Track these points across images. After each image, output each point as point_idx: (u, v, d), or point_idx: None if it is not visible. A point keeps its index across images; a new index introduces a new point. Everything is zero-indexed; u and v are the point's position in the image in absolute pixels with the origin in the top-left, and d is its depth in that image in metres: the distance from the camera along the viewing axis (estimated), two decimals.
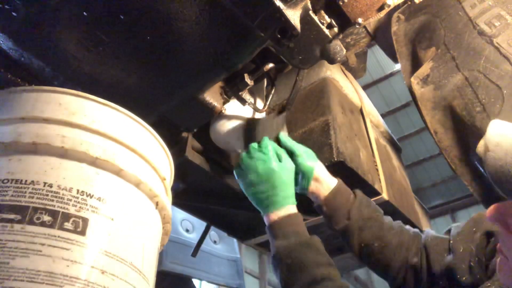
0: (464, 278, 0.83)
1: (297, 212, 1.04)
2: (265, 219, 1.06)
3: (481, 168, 1.27)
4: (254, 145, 1.11)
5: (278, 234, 0.99)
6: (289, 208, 1.03)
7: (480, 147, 1.18)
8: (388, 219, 1.10)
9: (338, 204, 1.08)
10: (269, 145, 1.10)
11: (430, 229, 1.08)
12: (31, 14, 0.91)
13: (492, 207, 0.51)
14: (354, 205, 1.08)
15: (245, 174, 1.08)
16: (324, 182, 1.12)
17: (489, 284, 0.69)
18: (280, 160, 1.08)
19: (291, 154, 1.14)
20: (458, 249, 0.87)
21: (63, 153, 0.68)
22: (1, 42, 0.96)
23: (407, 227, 1.09)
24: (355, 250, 1.06)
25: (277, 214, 1.02)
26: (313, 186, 1.11)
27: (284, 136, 1.18)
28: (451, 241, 0.92)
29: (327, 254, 0.95)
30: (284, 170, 1.06)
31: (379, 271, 1.06)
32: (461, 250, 0.86)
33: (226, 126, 1.31)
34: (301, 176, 1.11)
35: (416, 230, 1.08)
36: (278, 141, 1.17)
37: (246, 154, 1.10)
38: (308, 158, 1.14)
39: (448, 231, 0.98)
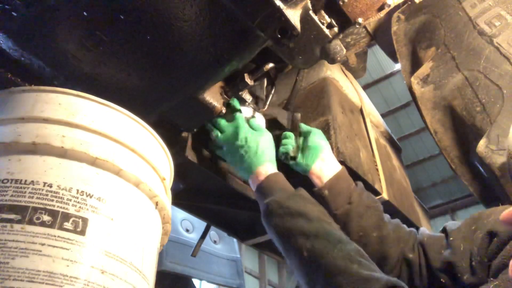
0: (465, 277, 0.82)
1: (279, 172, 1.07)
2: (251, 182, 1.08)
3: (481, 168, 1.27)
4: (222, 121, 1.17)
5: (267, 192, 1.01)
6: (270, 166, 1.06)
7: (481, 147, 1.18)
8: (386, 215, 1.10)
9: (340, 188, 1.09)
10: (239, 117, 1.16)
11: (425, 229, 1.08)
12: (31, 14, 0.91)
13: (508, 211, 0.49)
14: (355, 191, 1.09)
15: (224, 144, 1.15)
16: (330, 164, 1.13)
17: (496, 282, 0.67)
18: (254, 129, 1.13)
19: (306, 132, 1.19)
20: (459, 247, 0.86)
21: (63, 153, 0.68)
22: (1, 42, 0.96)
23: (403, 225, 1.10)
24: (353, 238, 1.05)
25: (261, 173, 1.04)
26: (317, 166, 1.12)
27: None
28: (451, 238, 0.91)
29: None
30: (259, 135, 1.11)
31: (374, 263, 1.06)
32: (462, 249, 0.85)
33: None
34: (308, 152, 1.13)
35: (412, 228, 1.08)
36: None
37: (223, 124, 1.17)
38: (320, 137, 1.19)
39: (443, 230, 0.98)
